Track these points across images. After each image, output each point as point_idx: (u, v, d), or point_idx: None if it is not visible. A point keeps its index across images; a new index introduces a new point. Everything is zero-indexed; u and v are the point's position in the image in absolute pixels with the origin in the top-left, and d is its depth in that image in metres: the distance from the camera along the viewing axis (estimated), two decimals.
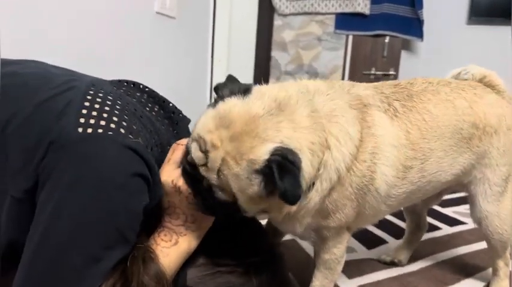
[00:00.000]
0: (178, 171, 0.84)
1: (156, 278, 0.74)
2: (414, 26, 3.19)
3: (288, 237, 1.62)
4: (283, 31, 3.50)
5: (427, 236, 1.72)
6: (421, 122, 1.01)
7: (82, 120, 0.70)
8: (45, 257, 0.66)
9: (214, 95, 0.87)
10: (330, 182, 0.88)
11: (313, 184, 0.87)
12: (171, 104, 0.98)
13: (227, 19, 3.32)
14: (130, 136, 0.73)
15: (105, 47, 2.09)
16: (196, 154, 0.80)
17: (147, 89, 0.97)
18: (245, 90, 0.84)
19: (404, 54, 3.32)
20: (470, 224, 1.84)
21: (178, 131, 0.97)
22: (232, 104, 0.81)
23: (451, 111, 1.06)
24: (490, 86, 1.17)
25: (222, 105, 0.82)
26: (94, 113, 0.72)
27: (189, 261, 0.84)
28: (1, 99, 0.70)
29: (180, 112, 1.00)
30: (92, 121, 0.71)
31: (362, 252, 1.55)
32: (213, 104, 0.85)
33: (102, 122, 0.71)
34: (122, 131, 0.73)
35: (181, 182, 0.82)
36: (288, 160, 0.75)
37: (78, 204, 0.67)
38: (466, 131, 1.07)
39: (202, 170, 0.80)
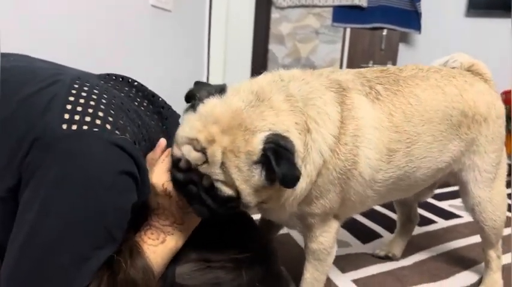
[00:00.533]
0: (169, 174, 0.83)
1: (143, 272, 0.74)
2: (412, 19, 3.17)
3: (282, 231, 1.63)
4: (281, 24, 3.48)
5: (422, 229, 1.72)
6: (406, 106, 1.01)
7: (67, 116, 0.69)
8: (32, 256, 0.65)
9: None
10: (313, 165, 0.88)
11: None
12: (160, 99, 0.97)
13: (224, 12, 3.30)
14: (117, 132, 0.72)
15: (99, 40, 2.08)
16: (192, 155, 0.80)
17: (135, 84, 0.95)
18: (221, 90, 0.87)
19: (402, 47, 3.31)
20: (465, 218, 1.84)
21: (167, 127, 0.96)
22: (213, 104, 0.84)
23: (441, 97, 1.05)
24: (477, 74, 1.17)
25: (202, 107, 0.84)
26: (79, 109, 0.71)
27: (178, 257, 0.84)
28: None
29: (169, 107, 0.98)
30: (77, 117, 0.69)
31: (357, 246, 1.55)
32: (191, 109, 0.86)
33: (87, 118, 0.70)
34: (108, 127, 0.71)
35: (171, 186, 0.82)
36: (281, 145, 0.79)
37: (65, 202, 0.66)
38: (455, 118, 1.06)
39: (203, 168, 0.80)
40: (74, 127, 0.68)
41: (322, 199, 0.95)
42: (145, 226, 0.82)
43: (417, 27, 3.18)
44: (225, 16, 3.30)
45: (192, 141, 0.81)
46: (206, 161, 0.80)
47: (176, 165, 0.83)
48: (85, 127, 0.69)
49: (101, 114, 0.72)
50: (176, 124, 0.97)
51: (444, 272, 1.37)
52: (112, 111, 0.75)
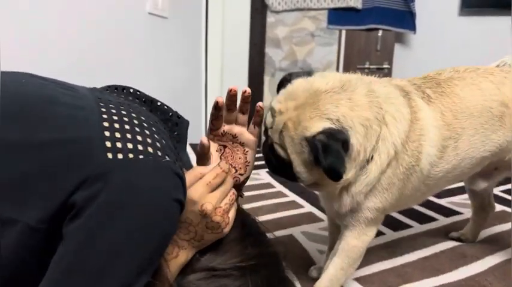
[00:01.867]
0: (211, 196, 0.82)
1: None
2: (407, 19, 3.20)
3: (285, 232, 1.64)
4: (277, 28, 3.50)
5: (423, 227, 1.74)
6: (452, 105, 1.11)
7: (108, 144, 0.67)
8: (76, 284, 0.63)
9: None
10: (387, 156, 0.99)
11: (372, 157, 0.98)
12: (166, 106, 0.96)
13: (220, 18, 3.33)
14: (159, 153, 0.71)
15: (96, 49, 2.09)
16: (267, 119, 1.00)
17: (138, 93, 0.93)
18: (309, 73, 1.03)
19: (397, 47, 3.34)
20: (466, 214, 1.85)
21: (179, 133, 0.95)
22: (298, 82, 0.99)
23: (477, 92, 1.14)
24: None
25: (290, 85, 1.00)
26: (118, 135, 0.69)
27: (184, 267, 0.84)
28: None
29: (177, 113, 0.97)
30: (119, 145, 0.68)
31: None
32: (282, 87, 1.03)
33: (130, 145, 0.68)
34: (151, 150, 0.70)
35: (209, 208, 0.80)
36: (335, 139, 0.89)
37: (116, 231, 0.64)
38: (495, 109, 1.14)
39: (270, 131, 1.00)
40: (120, 156, 0.67)
41: (386, 192, 1.04)
42: None
43: (412, 27, 3.21)
44: (221, 22, 3.33)
45: (271, 110, 0.99)
46: (273, 127, 0.98)
47: (264, 126, 1.03)
48: (130, 155, 0.67)
49: (139, 138, 0.71)
50: (186, 129, 0.97)
51: (446, 267, 1.39)
52: (147, 131, 0.74)
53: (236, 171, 0.95)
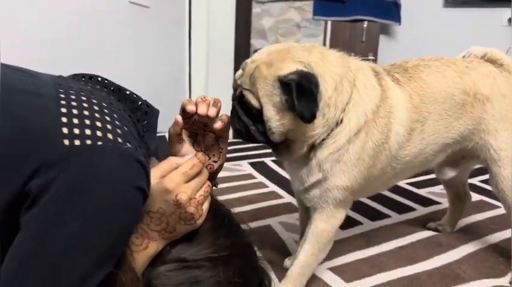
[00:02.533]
0: (187, 187, 0.80)
1: (131, 280, 0.73)
2: (392, 11, 3.20)
3: (262, 223, 1.64)
4: (262, 18, 3.48)
5: (401, 217, 1.74)
6: (419, 89, 1.13)
7: (65, 130, 0.65)
8: (31, 274, 0.61)
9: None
10: (357, 122, 1.00)
11: (342, 121, 0.99)
12: (135, 95, 0.94)
13: (204, 7, 3.29)
14: (119, 140, 0.69)
15: (77, 39, 2.06)
16: (237, 73, 1.00)
17: (106, 82, 0.90)
18: None
19: (382, 39, 3.33)
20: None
21: (148, 122, 0.93)
22: (272, 45, 1.02)
23: (442, 80, 1.16)
24: (491, 61, 1.27)
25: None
26: (75, 121, 0.67)
27: (154, 258, 0.83)
28: None
29: (146, 102, 0.95)
30: (77, 131, 0.66)
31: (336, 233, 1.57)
32: None
33: (88, 131, 0.66)
34: (110, 136, 0.68)
35: (184, 198, 0.79)
36: (308, 81, 0.91)
37: (74, 220, 0.63)
38: (457, 97, 1.16)
39: (239, 80, 0.98)
40: (77, 142, 0.65)
41: (355, 169, 1.03)
42: None
43: (397, 18, 3.20)
44: (206, 11, 3.29)
45: (242, 64, 1.00)
46: (243, 75, 0.97)
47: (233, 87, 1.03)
48: (88, 142, 0.65)
49: (98, 124, 0.69)
50: (156, 118, 0.96)
51: (422, 256, 1.39)
52: (107, 117, 0.72)
53: (210, 158, 0.95)
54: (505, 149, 1.22)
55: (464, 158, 1.33)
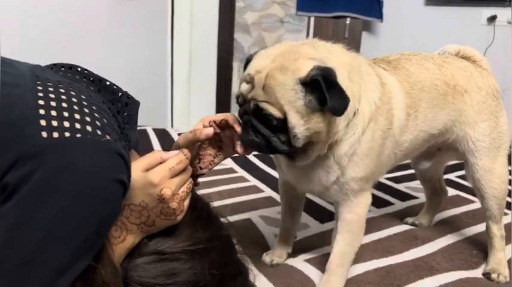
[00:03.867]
0: (172, 182, 0.80)
1: (111, 273, 0.72)
2: (374, 8, 3.23)
3: (243, 216, 1.64)
4: (246, 13, 3.47)
5: (380, 211, 1.77)
6: (407, 77, 1.16)
7: (43, 122, 0.64)
8: (7, 268, 0.60)
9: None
10: (369, 111, 1.00)
11: (356, 112, 0.98)
12: (115, 86, 0.93)
13: (188, 1, 3.26)
14: (98, 132, 0.68)
15: (58, 31, 2.03)
16: (242, 88, 0.93)
17: (86, 72, 0.89)
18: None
19: (365, 35, 3.36)
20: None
21: (128, 113, 0.92)
22: (271, 47, 0.98)
23: (424, 71, 1.20)
24: (466, 58, 1.32)
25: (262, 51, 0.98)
26: (53, 113, 0.66)
27: (132, 251, 0.82)
28: None
29: (126, 93, 0.94)
30: (55, 123, 0.65)
31: (316, 226, 1.58)
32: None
33: (66, 123, 0.66)
34: (89, 128, 0.67)
35: (168, 193, 0.78)
36: (330, 74, 0.87)
37: (50, 212, 0.62)
38: (440, 87, 1.20)
39: (250, 95, 0.91)
40: (56, 135, 0.64)
41: (366, 158, 1.03)
42: None
43: (379, 15, 3.24)
44: (189, 4, 3.26)
45: (245, 78, 0.93)
46: (252, 88, 0.91)
47: (237, 102, 0.97)
48: (67, 134, 0.65)
49: (77, 116, 0.68)
50: (136, 110, 0.94)
51: (397, 249, 1.42)
52: (86, 110, 0.71)
53: (199, 162, 0.98)
54: (482, 140, 1.26)
55: (440, 150, 1.37)
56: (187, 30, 3.30)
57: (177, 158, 0.82)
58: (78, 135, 0.66)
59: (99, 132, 0.69)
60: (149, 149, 1.61)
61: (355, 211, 1.10)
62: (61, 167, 0.63)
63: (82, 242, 0.65)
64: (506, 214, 1.73)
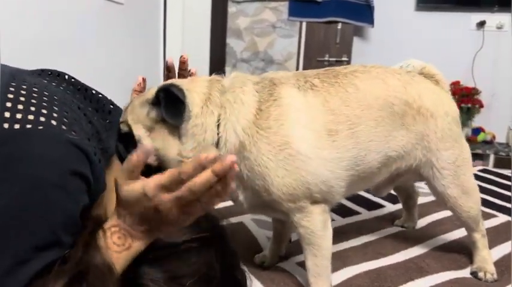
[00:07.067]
0: (154, 180, 0.73)
1: (101, 268, 0.70)
2: (365, 13, 3.27)
3: (235, 220, 1.65)
4: (238, 18, 3.50)
5: (371, 214, 1.78)
6: (343, 93, 1.10)
7: (7, 114, 0.66)
8: None
9: None
10: (233, 143, 1.01)
11: (218, 142, 1.01)
12: (100, 95, 0.95)
13: (180, 6, 3.28)
14: (63, 127, 0.69)
15: (49, 36, 2.03)
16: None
17: (73, 80, 0.91)
18: None
19: (356, 41, 3.40)
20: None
21: (110, 121, 0.93)
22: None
23: (381, 86, 1.13)
24: (428, 76, 1.24)
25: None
26: (20, 107, 0.68)
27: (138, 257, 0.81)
28: None
29: (111, 102, 0.96)
30: (19, 116, 0.66)
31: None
32: None
33: (30, 116, 0.67)
34: (54, 122, 0.68)
35: (152, 191, 0.73)
36: (174, 89, 0.98)
37: (5, 200, 0.63)
38: (397, 106, 1.13)
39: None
40: (17, 126, 0.65)
41: (272, 185, 1.02)
42: (112, 226, 0.75)
43: (370, 21, 3.27)
44: (181, 10, 3.28)
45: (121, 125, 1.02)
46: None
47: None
48: (29, 126, 0.66)
49: (44, 111, 0.69)
50: (119, 117, 0.96)
51: (388, 251, 1.43)
52: (55, 108, 0.72)
53: None
54: (447, 168, 1.20)
55: (399, 175, 1.27)
56: (180, 35, 3.31)
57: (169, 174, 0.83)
58: (40, 127, 0.67)
59: (64, 127, 0.70)
60: None
61: (302, 225, 1.08)
62: (16, 156, 0.64)
63: (42, 231, 0.65)
64: (495, 216, 1.77)
